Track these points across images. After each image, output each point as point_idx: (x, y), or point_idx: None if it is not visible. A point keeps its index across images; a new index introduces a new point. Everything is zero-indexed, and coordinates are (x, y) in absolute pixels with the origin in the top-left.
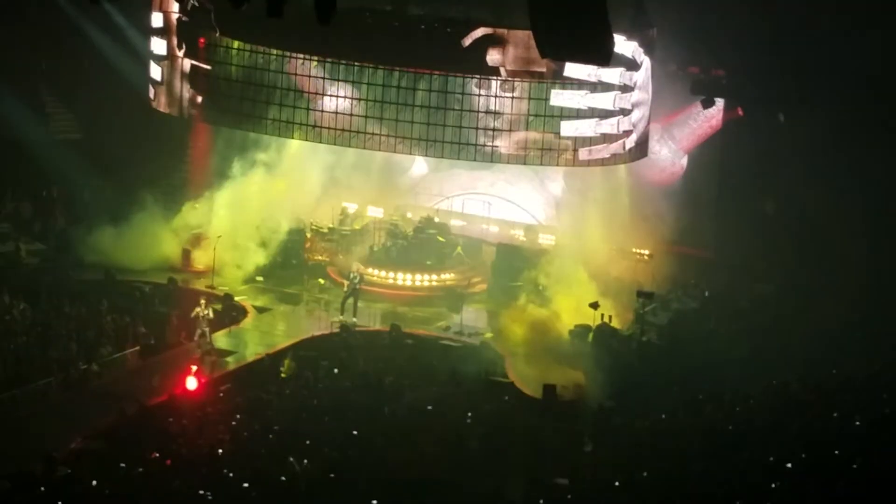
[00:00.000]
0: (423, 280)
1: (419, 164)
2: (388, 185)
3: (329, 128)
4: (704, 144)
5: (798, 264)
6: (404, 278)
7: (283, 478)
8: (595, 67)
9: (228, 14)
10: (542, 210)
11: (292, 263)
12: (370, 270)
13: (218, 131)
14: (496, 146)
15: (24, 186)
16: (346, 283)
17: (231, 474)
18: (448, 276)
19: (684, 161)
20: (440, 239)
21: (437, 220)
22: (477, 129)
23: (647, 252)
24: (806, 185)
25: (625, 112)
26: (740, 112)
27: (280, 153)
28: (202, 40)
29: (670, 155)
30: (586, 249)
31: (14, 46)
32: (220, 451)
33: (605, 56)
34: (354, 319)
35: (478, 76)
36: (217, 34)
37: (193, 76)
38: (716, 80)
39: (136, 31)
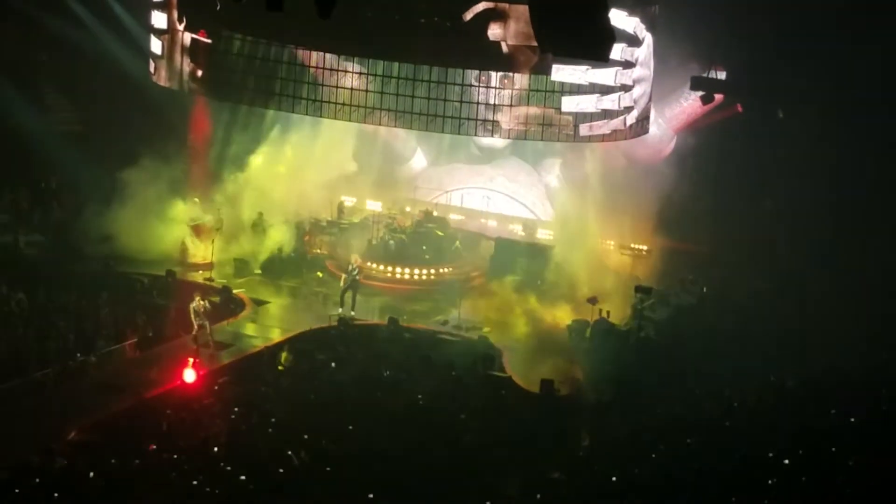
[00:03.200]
0: (422, 274)
1: (418, 158)
2: (387, 178)
3: (331, 102)
4: (703, 141)
5: (796, 260)
6: (402, 272)
7: (281, 470)
8: None
9: (228, 6)
10: (541, 205)
11: (291, 256)
12: (368, 264)
13: (217, 121)
14: (497, 121)
15: (23, 177)
16: (343, 276)
17: (228, 467)
18: (446, 270)
19: (674, 141)
20: (439, 233)
21: (435, 214)
22: (478, 103)
23: (645, 247)
24: (805, 181)
25: (626, 88)
26: (739, 108)
27: (280, 144)
28: (202, 32)
29: (660, 133)
30: (584, 244)
31: (14, 38)
32: (218, 443)
33: (604, 55)
34: (353, 313)
35: (479, 70)
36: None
37: (194, 50)
38: (715, 77)
39: (137, 22)
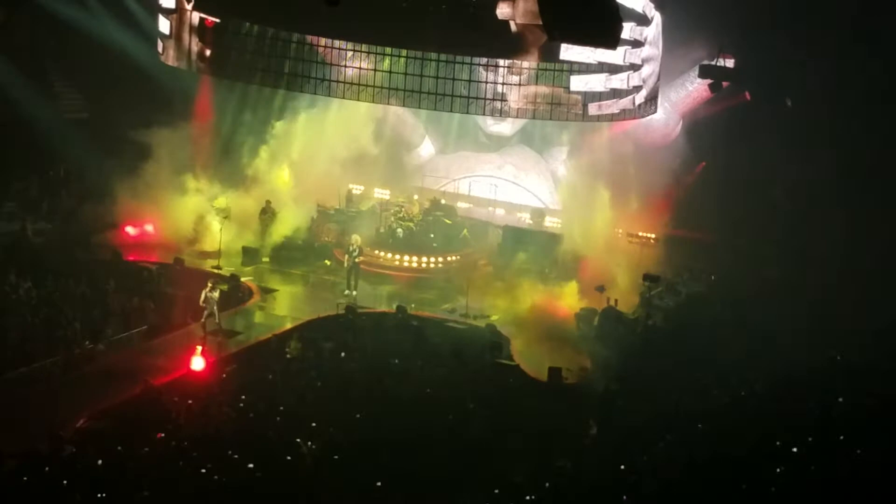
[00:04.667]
0: (430, 262)
1: (426, 146)
2: (395, 166)
3: (339, 82)
4: (711, 129)
5: (803, 250)
6: (410, 260)
7: (289, 458)
8: None
9: None
10: (549, 193)
11: (299, 244)
12: (376, 252)
13: (226, 103)
14: (505, 101)
15: (31, 165)
16: (346, 257)
17: (236, 455)
18: (454, 259)
19: (680, 124)
20: (447, 221)
21: (443, 202)
22: (486, 83)
23: (653, 235)
24: (812, 171)
25: (635, 67)
26: (747, 96)
27: (287, 131)
28: (209, 21)
29: (666, 117)
30: (592, 232)
31: (22, 26)
32: (226, 431)
33: (612, 41)
34: (354, 293)
35: (486, 59)
36: None
37: (202, 30)
38: (724, 65)
39: (143, 6)
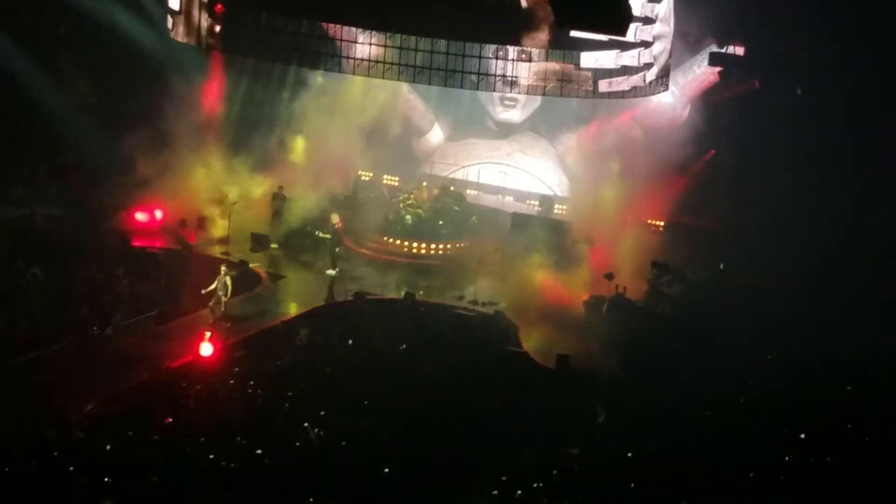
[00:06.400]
0: (438, 249)
1: (435, 133)
2: (403, 153)
3: (350, 58)
4: (721, 117)
5: (813, 238)
6: (419, 247)
7: (297, 444)
8: None
9: None
10: (557, 179)
11: (308, 230)
12: (385, 239)
13: (235, 88)
14: (516, 77)
15: (40, 151)
16: (330, 236)
17: (244, 441)
18: (463, 245)
19: (688, 108)
20: (455, 208)
21: (452, 189)
22: (497, 59)
23: (661, 223)
24: (820, 159)
25: (646, 44)
26: (757, 84)
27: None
28: (219, 7)
29: (673, 101)
30: (600, 219)
31: (33, 10)
32: (234, 417)
33: (622, 28)
34: (334, 271)
35: (496, 45)
36: None
37: (211, 6)
38: (733, 54)
39: None
